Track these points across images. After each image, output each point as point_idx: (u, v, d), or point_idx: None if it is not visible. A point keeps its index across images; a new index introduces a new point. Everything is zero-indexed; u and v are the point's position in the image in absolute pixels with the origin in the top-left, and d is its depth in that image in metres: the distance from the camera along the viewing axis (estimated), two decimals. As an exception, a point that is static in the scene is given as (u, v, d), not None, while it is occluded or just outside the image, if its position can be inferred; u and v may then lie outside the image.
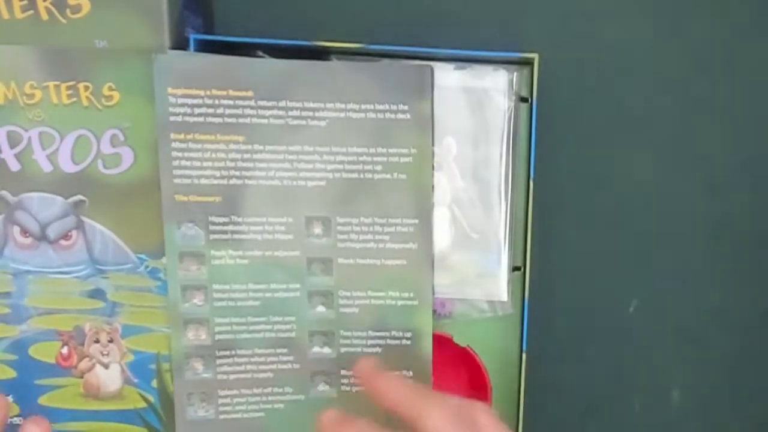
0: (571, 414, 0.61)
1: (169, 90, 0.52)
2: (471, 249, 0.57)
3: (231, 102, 0.53)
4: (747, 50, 0.60)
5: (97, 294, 0.56)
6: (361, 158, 0.54)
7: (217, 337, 0.54)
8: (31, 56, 0.53)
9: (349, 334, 0.55)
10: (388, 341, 0.56)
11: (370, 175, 0.55)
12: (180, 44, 0.55)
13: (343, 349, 0.55)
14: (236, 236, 0.54)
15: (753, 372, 0.61)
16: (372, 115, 0.54)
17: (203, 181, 0.53)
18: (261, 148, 0.53)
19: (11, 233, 0.55)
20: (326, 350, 0.55)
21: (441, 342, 0.58)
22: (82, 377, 0.57)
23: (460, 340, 0.58)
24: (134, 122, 0.54)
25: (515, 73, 0.57)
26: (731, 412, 0.61)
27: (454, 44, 0.57)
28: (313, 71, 0.54)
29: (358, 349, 0.55)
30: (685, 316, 0.61)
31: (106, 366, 0.56)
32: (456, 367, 0.59)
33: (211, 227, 0.53)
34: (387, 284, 0.55)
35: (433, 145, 0.56)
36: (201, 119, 0.53)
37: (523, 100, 0.57)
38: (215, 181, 0.53)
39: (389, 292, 0.55)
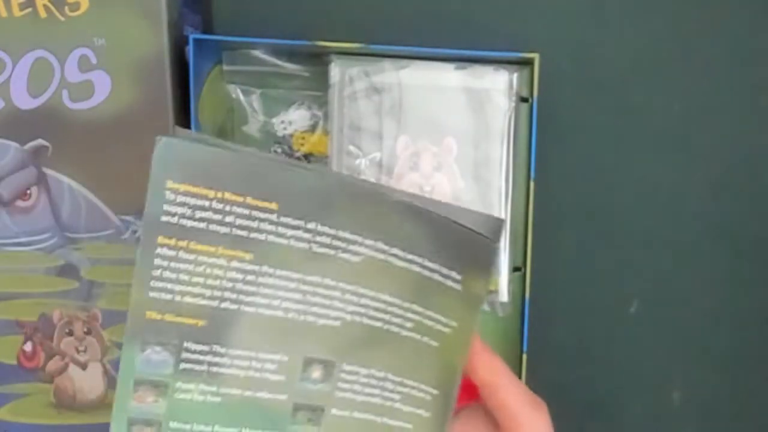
0: (571, 414, 0.60)
1: (168, 184, 0.41)
2: (471, 249, 0.57)
3: (246, 211, 0.42)
4: (747, 49, 0.60)
5: (68, 271, 0.46)
6: (390, 308, 0.46)
7: None
8: None
9: None
10: None
11: (396, 330, 0.46)
12: (179, 42, 0.54)
13: None
14: (213, 369, 0.44)
15: (753, 372, 0.61)
16: (417, 269, 0.46)
17: (187, 299, 0.43)
18: (271, 271, 0.44)
19: None
20: None
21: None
22: (51, 382, 0.47)
23: (460, 341, 0.58)
24: (110, 38, 0.44)
25: (515, 73, 0.57)
26: (732, 412, 0.61)
27: (454, 44, 0.57)
28: (358, 198, 0.45)
29: None
30: (686, 316, 0.61)
31: (83, 366, 0.47)
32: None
33: (185, 354, 0.43)
34: None
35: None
36: (202, 225, 0.42)
37: (524, 100, 0.57)
38: (202, 302, 0.43)
39: None
